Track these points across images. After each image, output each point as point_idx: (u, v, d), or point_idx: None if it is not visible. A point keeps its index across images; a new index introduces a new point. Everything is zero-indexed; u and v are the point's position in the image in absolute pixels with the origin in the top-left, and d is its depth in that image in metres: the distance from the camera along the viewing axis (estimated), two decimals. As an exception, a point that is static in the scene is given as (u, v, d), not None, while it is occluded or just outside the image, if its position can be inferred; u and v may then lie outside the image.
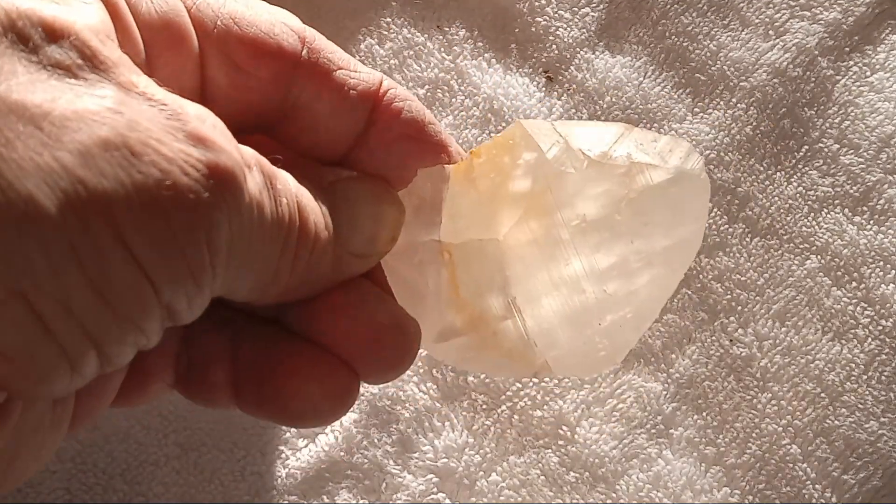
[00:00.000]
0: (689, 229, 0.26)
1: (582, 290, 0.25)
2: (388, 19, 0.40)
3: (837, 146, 0.39)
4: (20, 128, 0.17)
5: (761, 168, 0.39)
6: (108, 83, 0.18)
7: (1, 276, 0.16)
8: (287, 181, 0.22)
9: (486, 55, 0.40)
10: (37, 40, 0.18)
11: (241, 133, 0.24)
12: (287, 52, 0.23)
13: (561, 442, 0.36)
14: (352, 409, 0.37)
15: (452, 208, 0.25)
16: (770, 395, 0.37)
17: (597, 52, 0.40)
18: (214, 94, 0.23)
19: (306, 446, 0.36)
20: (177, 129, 0.18)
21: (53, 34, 0.18)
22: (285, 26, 0.23)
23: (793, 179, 0.39)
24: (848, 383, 0.37)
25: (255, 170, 0.20)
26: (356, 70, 0.25)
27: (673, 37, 0.40)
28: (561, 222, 0.25)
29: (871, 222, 0.38)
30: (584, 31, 0.40)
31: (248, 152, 0.20)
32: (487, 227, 0.25)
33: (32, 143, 0.17)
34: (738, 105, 0.40)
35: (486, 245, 0.25)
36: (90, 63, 0.18)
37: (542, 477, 0.36)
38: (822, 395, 0.36)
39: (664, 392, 0.37)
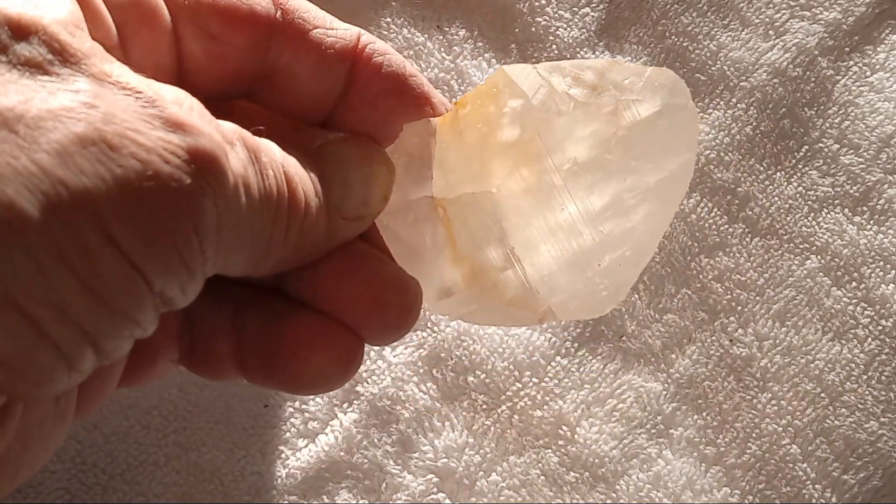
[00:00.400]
0: (681, 160, 0.26)
1: (579, 233, 0.25)
2: (388, 19, 0.40)
3: (837, 146, 0.39)
4: None
5: (761, 168, 0.39)
6: (80, 76, 0.18)
7: None
8: (272, 152, 0.21)
9: (486, 55, 0.40)
10: (4, 40, 0.18)
11: (223, 100, 0.24)
12: (261, 17, 0.23)
13: (561, 442, 0.36)
14: (352, 409, 0.37)
15: (442, 162, 0.25)
16: (770, 395, 0.37)
17: (597, 52, 0.40)
18: (191, 67, 0.23)
19: (306, 446, 0.36)
20: (153, 116, 0.18)
21: (21, 32, 0.18)
22: None
23: (793, 179, 0.39)
24: (848, 383, 0.37)
25: (237, 146, 0.20)
26: (333, 27, 0.24)
27: (673, 37, 0.40)
28: (553, 167, 0.25)
29: (871, 222, 0.38)
30: (584, 31, 0.40)
31: (229, 128, 0.20)
32: (479, 179, 0.25)
33: (9, 148, 0.16)
34: (738, 105, 0.40)
35: (480, 198, 0.25)
36: (61, 57, 0.18)
37: (542, 477, 0.36)
38: (822, 395, 0.36)
39: (664, 392, 0.37)
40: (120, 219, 0.17)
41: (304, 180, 0.22)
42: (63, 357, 0.18)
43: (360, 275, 0.24)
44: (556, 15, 0.41)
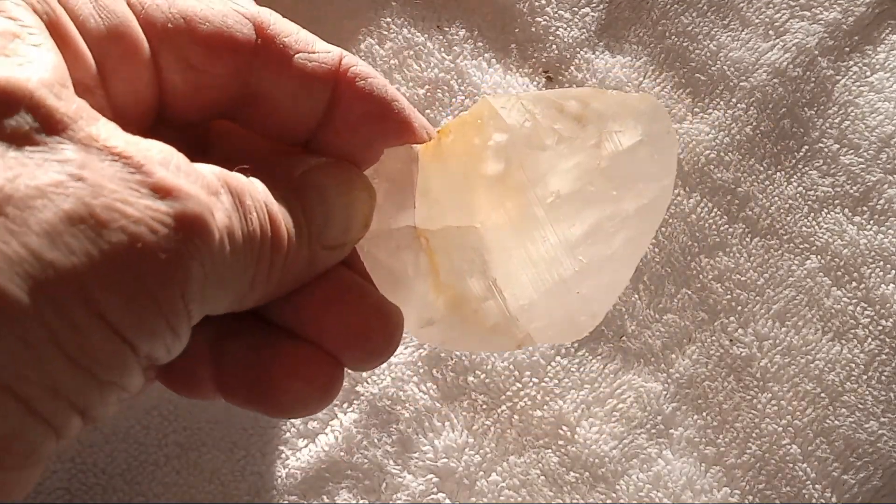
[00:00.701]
0: (660, 185, 0.26)
1: (559, 263, 0.25)
2: (388, 19, 0.40)
3: (837, 146, 0.39)
4: None
5: (761, 168, 0.39)
6: (67, 143, 0.18)
7: None
8: (256, 191, 0.21)
9: (486, 55, 0.40)
10: None
11: (204, 121, 0.24)
12: (242, 44, 0.23)
13: (561, 442, 0.36)
14: (352, 409, 0.37)
15: (425, 191, 0.25)
16: (770, 395, 0.37)
17: (597, 52, 0.40)
18: (172, 97, 0.23)
19: (306, 446, 0.36)
20: (141, 183, 0.18)
21: (8, 103, 0.18)
22: (238, 15, 0.23)
23: (793, 179, 0.39)
24: (848, 383, 0.37)
25: (222, 193, 0.20)
26: (314, 51, 0.24)
27: (673, 37, 0.40)
28: (536, 201, 0.25)
29: (871, 222, 0.38)
30: (584, 31, 0.40)
31: (214, 176, 0.20)
32: (463, 212, 0.25)
33: (0, 234, 0.16)
34: (738, 105, 0.39)
35: (464, 232, 0.25)
36: (47, 124, 0.18)
37: (542, 477, 0.36)
38: (822, 395, 0.36)
39: (664, 392, 0.37)
40: (108, 292, 0.17)
41: (287, 217, 0.22)
42: (52, 429, 0.18)
43: (343, 303, 0.24)
44: (556, 15, 0.41)
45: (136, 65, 0.22)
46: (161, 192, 0.18)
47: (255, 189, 0.21)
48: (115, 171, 0.18)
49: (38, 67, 0.18)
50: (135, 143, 0.19)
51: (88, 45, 0.21)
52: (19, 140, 0.17)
